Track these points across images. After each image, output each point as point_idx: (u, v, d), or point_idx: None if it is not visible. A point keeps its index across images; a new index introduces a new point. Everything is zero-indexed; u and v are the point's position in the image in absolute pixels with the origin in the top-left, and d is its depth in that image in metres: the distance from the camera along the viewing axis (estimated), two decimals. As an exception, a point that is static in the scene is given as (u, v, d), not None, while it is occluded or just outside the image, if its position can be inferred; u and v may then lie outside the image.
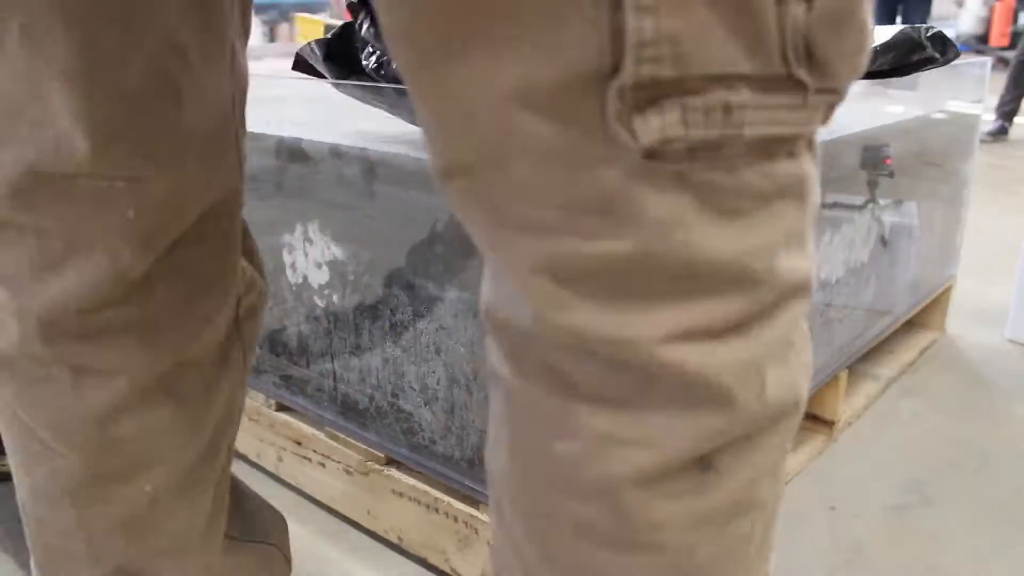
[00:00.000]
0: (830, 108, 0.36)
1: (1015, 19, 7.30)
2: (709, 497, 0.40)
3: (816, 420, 1.29)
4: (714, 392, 0.37)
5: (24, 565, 0.99)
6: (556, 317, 0.37)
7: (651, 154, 0.33)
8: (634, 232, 0.34)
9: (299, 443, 1.13)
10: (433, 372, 0.96)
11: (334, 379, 1.07)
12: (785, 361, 0.39)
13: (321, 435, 1.10)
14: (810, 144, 0.37)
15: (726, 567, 0.42)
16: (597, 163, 0.34)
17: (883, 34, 1.16)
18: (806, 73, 0.33)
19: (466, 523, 0.94)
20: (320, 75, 0.99)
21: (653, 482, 0.39)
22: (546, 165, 0.34)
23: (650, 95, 0.32)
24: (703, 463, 0.39)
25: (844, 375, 1.28)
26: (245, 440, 1.22)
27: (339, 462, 1.07)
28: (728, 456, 0.39)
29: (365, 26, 0.95)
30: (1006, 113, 3.94)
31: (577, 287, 0.36)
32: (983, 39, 7.42)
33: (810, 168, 0.37)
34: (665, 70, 0.32)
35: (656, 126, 0.32)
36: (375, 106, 0.99)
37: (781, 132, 0.34)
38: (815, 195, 0.38)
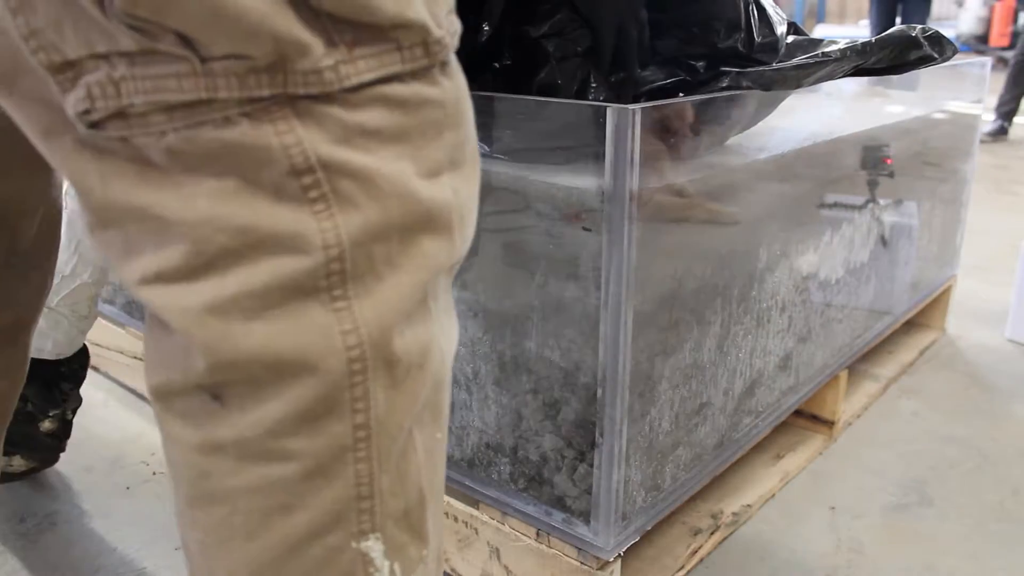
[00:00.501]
0: (253, 73, 0.38)
1: (1015, 19, 7.30)
2: (220, 427, 0.42)
3: (816, 420, 1.29)
4: (176, 330, 0.41)
5: (25, 565, 1.00)
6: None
7: (92, 124, 0.39)
8: (91, 186, 0.41)
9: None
10: (433, 372, 0.96)
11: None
12: (258, 317, 0.40)
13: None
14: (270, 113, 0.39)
15: (242, 501, 0.43)
16: (64, 132, 0.41)
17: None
18: (174, 46, 0.37)
19: (466, 523, 0.95)
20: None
21: (166, 398, 0.44)
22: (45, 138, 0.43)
23: (67, 76, 0.39)
24: (211, 392, 0.42)
25: (844, 375, 1.28)
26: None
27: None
28: (235, 394, 0.42)
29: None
30: (1005, 113, 3.94)
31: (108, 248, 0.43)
32: (983, 39, 7.42)
33: (253, 136, 0.39)
34: (53, 56, 0.39)
35: (71, 101, 0.39)
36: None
37: (179, 99, 0.38)
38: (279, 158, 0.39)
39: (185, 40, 0.37)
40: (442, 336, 0.47)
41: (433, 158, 0.43)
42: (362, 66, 0.40)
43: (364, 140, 0.40)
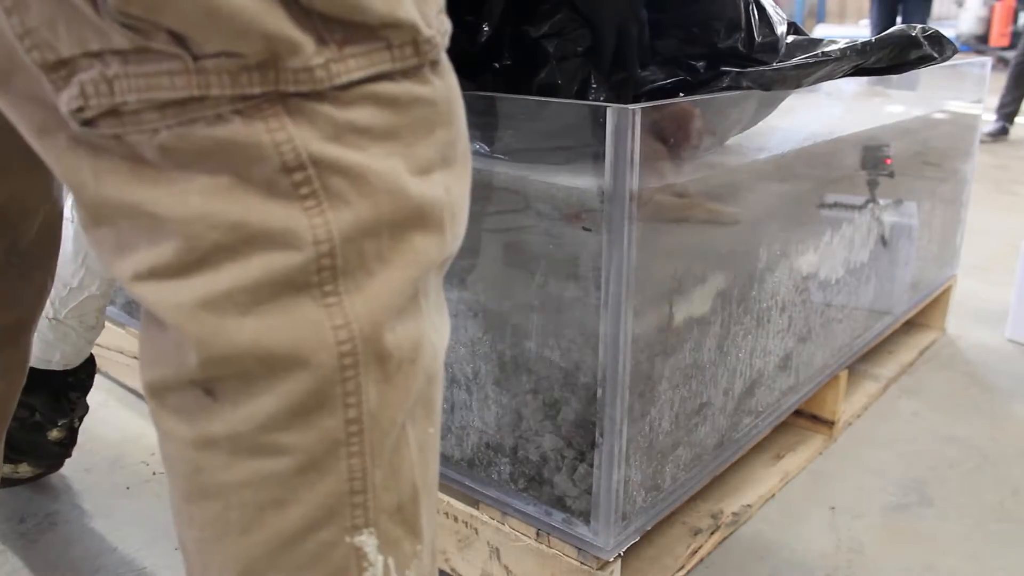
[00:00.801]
0: (245, 71, 0.38)
1: (1015, 19, 7.30)
2: (213, 422, 0.43)
3: (816, 420, 1.29)
4: (170, 325, 0.42)
5: (26, 565, 1.00)
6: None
7: (85, 122, 0.39)
8: (84, 183, 0.42)
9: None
10: (433, 372, 0.96)
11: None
12: (249, 312, 0.40)
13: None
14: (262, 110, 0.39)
15: (236, 496, 0.44)
16: (57, 130, 0.41)
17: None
18: (167, 44, 0.37)
19: (466, 523, 0.95)
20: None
21: (159, 394, 0.44)
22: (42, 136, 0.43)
23: (61, 74, 0.39)
24: (204, 387, 0.42)
25: (844, 375, 1.28)
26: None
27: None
28: (228, 389, 0.42)
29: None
30: (1007, 115, 3.93)
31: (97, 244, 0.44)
32: (983, 39, 7.42)
33: (243, 133, 0.39)
34: (47, 55, 0.39)
35: (64, 99, 0.39)
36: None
37: (172, 97, 0.38)
38: (267, 158, 0.40)
39: (178, 38, 0.37)
40: (433, 332, 0.47)
41: (424, 156, 0.44)
42: (352, 64, 0.40)
43: (355, 137, 0.41)
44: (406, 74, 0.42)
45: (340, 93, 0.40)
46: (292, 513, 0.43)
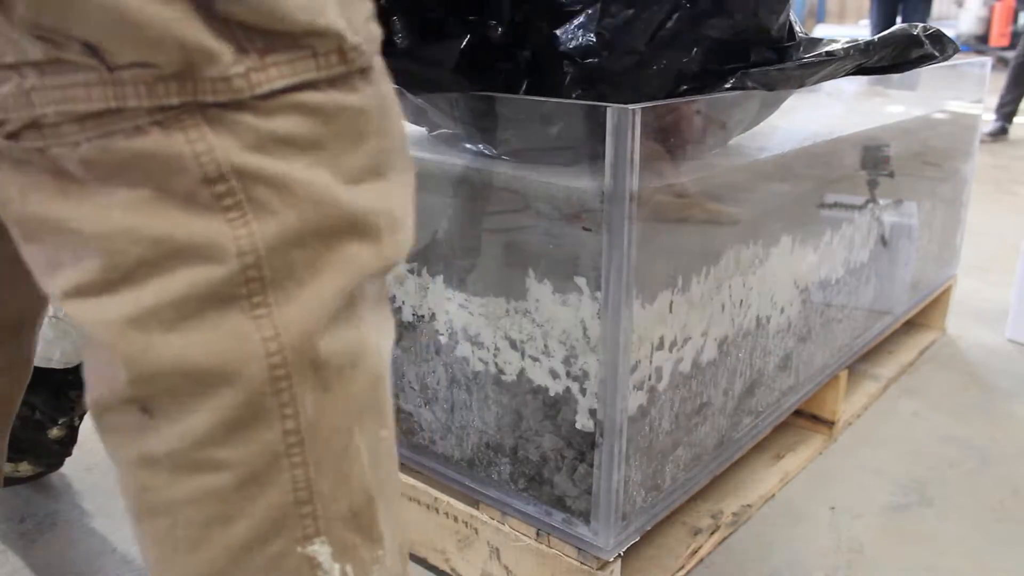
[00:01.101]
0: (162, 81, 0.38)
1: (1015, 19, 7.30)
2: (151, 440, 0.42)
3: (816, 420, 1.29)
4: (100, 343, 0.41)
5: (26, 565, 1.00)
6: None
7: (8, 136, 0.39)
8: (11, 198, 0.41)
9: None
10: (433, 372, 0.96)
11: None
12: (176, 328, 0.40)
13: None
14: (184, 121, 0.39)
15: (182, 514, 0.44)
16: None
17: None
18: (81, 55, 0.37)
19: (466, 523, 0.95)
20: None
21: (100, 414, 0.44)
22: None
23: None
24: (141, 406, 0.42)
25: (844, 375, 1.28)
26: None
27: (339, 462, 1.07)
28: (162, 406, 0.42)
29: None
30: (1006, 115, 3.94)
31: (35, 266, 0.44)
32: (983, 39, 7.43)
33: (172, 145, 0.39)
34: None
35: None
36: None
37: (89, 108, 0.37)
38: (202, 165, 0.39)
39: (91, 49, 0.37)
40: (376, 333, 0.47)
41: (355, 164, 0.43)
42: (274, 73, 0.40)
43: (278, 147, 0.40)
44: (332, 83, 0.42)
45: (262, 103, 0.40)
46: (238, 527, 0.43)
